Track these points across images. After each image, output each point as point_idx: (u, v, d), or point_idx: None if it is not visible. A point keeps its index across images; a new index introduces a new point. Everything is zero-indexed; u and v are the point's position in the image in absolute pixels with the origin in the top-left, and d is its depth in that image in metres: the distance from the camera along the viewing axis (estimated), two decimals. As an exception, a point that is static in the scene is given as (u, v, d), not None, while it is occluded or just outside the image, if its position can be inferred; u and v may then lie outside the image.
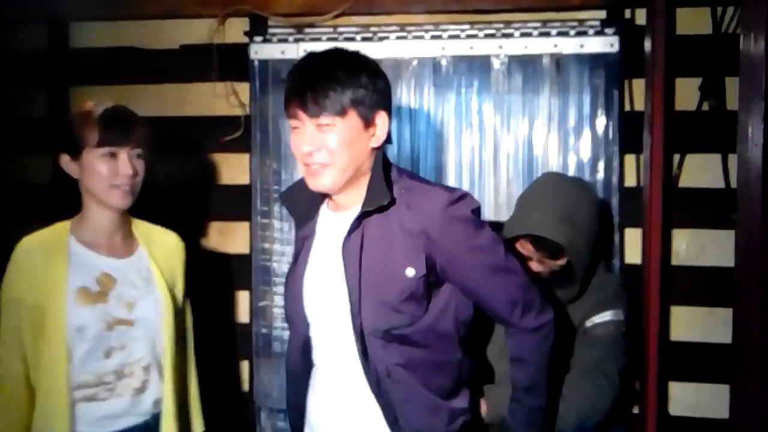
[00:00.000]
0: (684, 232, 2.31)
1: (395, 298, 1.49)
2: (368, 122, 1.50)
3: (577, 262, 1.85)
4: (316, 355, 1.63)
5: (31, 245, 1.73)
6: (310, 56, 1.55)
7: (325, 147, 1.48)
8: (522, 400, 1.63)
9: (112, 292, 1.75)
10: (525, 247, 1.86)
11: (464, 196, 1.52)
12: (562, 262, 1.87)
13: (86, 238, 1.77)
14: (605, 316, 1.90)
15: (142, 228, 1.89)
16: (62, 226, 1.78)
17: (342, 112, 1.47)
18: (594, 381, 1.84)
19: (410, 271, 1.48)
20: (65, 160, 1.76)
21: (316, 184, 1.53)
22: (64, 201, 1.81)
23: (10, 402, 1.70)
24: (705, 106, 2.25)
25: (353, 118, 1.48)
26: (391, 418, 1.53)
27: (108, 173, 1.72)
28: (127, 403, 1.76)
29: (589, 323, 1.91)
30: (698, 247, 2.30)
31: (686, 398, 2.35)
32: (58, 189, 2.41)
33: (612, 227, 2.29)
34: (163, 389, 1.81)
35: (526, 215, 1.86)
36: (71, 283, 1.70)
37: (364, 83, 1.48)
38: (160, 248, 1.89)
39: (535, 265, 1.87)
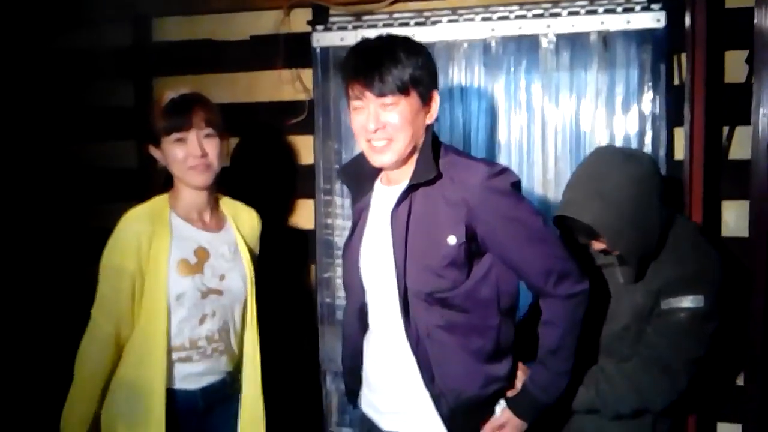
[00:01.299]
0: (734, 203, 2.29)
1: (438, 264, 1.60)
2: (426, 101, 1.64)
3: (614, 240, 1.75)
4: (372, 317, 1.77)
5: (139, 216, 1.90)
6: (367, 41, 1.69)
7: (389, 124, 1.61)
8: (546, 362, 1.67)
9: (207, 264, 1.93)
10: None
11: (504, 170, 1.63)
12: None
13: (183, 212, 1.95)
14: (683, 301, 1.74)
15: (228, 204, 2.08)
16: (162, 199, 1.95)
17: (405, 91, 1.59)
18: (652, 375, 1.75)
19: (452, 239, 1.59)
20: (151, 149, 1.95)
21: (379, 161, 1.66)
22: (150, 183, 2.03)
23: (98, 358, 1.88)
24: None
25: (414, 97, 1.61)
26: (428, 377, 1.65)
27: (181, 157, 1.89)
28: (211, 364, 1.95)
29: (665, 305, 1.77)
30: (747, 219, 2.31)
31: None
32: (144, 172, 2.68)
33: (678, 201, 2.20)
34: (239, 352, 2.02)
35: (563, 196, 1.85)
36: (173, 254, 1.88)
37: (421, 63, 1.61)
38: (244, 223, 2.08)
39: (595, 245, 1.84)
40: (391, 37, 1.68)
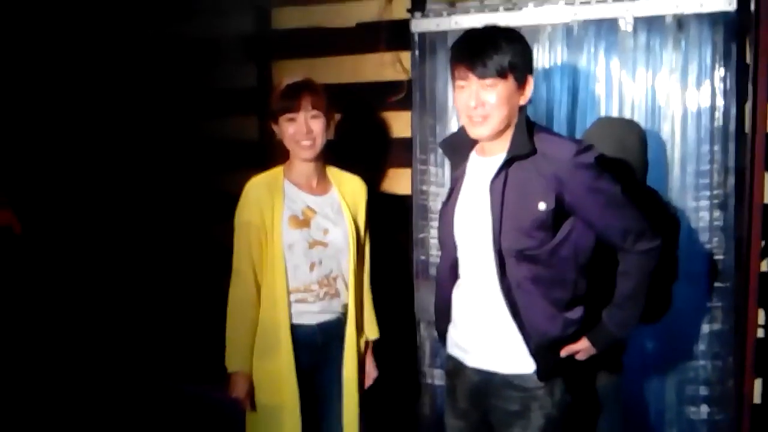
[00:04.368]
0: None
1: (529, 226, 1.83)
2: (521, 84, 1.87)
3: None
4: (462, 270, 2.02)
5: (259, 182, 2.32)
6: (474, 30, 1.93)
7: (488, 103, 1.83)
8: (622, 305, 1.92)
9: (313, 220, 2.31)
10: None
11: (589, 147, 1.85)
12: None
13: (294, 179, 2.34)
14: None
15: (334, 173, 2.43)
16: (278, 170, 2.36)
17: (503, 74, 1.82)
18: None
19: (542, 205, 1.81)
20: (273, 126, 2.34)
21: (477, 133, 1.90)
22: (269, 154, 2.40)
23: (246, 297, 2.29)
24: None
25: (510, 80, 1.83)
26: (518, 321, 1.88)
27: (292, 133, 2.27)
28: (325, 304, 2.33)
29: None
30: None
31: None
32: (264, 144, 3.06)
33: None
34: (348, 296, 2.37)
35: (607, 134, 2.16)
36: (285, 211, 2.28)
37: (519, 51, 1.85)
38: (348, 189, 2.42)
39: None
40: (494, 28, 1.92)
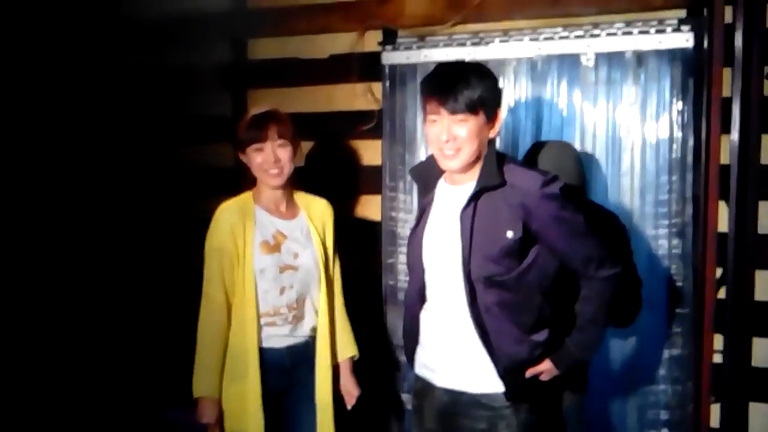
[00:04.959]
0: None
1: (497, 253, 1.90)
2: (490, 118, 1.95)
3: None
4: (431, 294, 2.07)
5: (230, 207, 2.35)
6: (444, 65, 2.02)
7: (459, 137, 1.90)
8: (584, 329, 2.00)
9: (283, 245, 2.36)
10: None
11: (555, 178, 1.94)
12: None
13: (263, 204, 2.39)
14: None
15: (301, 197, 2.49)
16: (248, 195, 2.41)
17: (474, 110, 1.89)
18: None
19: (510, 234, 1.89)
20: (240, 155, 2.39)
21: (448, 166, 1.96)
22: (243, 181, 2.44)
23: (216, 321, 2.31)
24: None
25: (480, 115, 1.91)
26: (487, 344, 1.94)
27: (259, 162, 2.33)
28: (293, 328, 2.36)
29: None
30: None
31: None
32: (239, 172, 3.09)
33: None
34: (317, 319, 2.40)
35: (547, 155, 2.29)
36: (256, 237, 2.32)
37: (489, 86, 1.93)
38: (315, 212, 2.48)
39: None
40: (464, 63, 2.02)
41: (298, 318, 2.37)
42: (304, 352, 2.40)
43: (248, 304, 2.29)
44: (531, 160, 2.30)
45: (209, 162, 3.30)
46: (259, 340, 2.31)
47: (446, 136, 1.91)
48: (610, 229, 2.25)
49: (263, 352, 2.31)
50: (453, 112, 1.89)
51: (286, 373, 2.37)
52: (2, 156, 2.95)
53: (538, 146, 2.38)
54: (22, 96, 3.11)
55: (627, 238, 2.35)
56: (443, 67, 2.00)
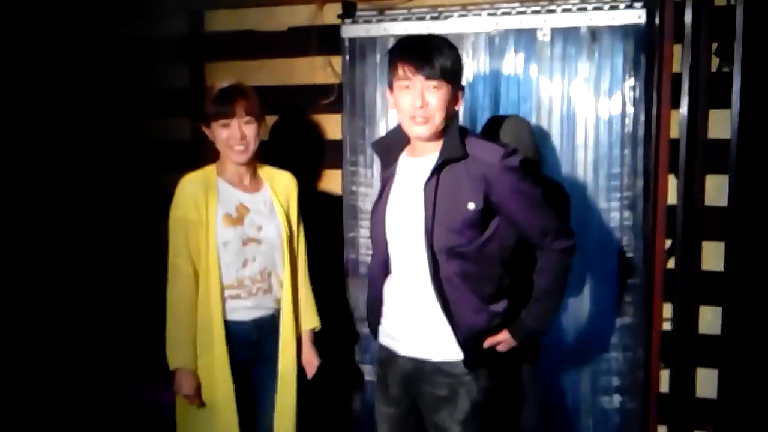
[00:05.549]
0: (715, 177, 2.60)
1: (459, 225, 1.95)
2: (457, 88, 2.00)
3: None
4: (394, 266, 2.11)
5: (193, 178, 2.35)
6: (415, 36, 2.06)
7: (431, 104, 1.93)
8: (540, 300, 2.05)
9: (246, 218, 2.36)
10: None
11: (514, 150, 1.99)
12: None
13: (227, 177, 2.38)
14: None
15: (265, 170, 2.49)
16: (211, 168, 2.39)
17: (447, 77, 1.93)
18: None
19: (471, 205, 1.93)
20: (203, 128, 2.37)
21: (417, 132, 1.98)
22: (201, 154, 2.44)
23: (185, 292, 2.30)
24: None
25: (450, 85, 1.95)
26: (448, 314, 1.99)
27: (225, 138, 2.31)
28: (259, 300, 2.38)
29: None
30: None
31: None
32: (197, 145, 3.08)
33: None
34: (281, 291, 2.42)
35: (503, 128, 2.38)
36: (219, 209, 2.32)
37: (457, 58, 1.98)
38: (279, 185, 2.48)
39: None
40: (436, 36, 2.05)
41: (264, 290, 2.39)
42: (271, 325, 2.42)
43: (212, 277, 2.30)
44: (489, 133, 2.34)
45: (167, 135, 3.28)
46: (224, 313, 2.32)
47: (420, 102, 1.93)
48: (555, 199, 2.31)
49: (229, 325, 2.32)
50: (428, 77, 1.92)
51: (252, 345, 2.39)
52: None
53: (495, 120, 2.43)
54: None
55: (568, 206, 2.43)
56: (415, 37, 2.05)
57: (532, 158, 2.32)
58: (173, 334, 2.30)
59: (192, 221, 2.29)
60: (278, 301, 2.43)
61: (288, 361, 2.44)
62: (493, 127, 2.37)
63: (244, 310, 2.36)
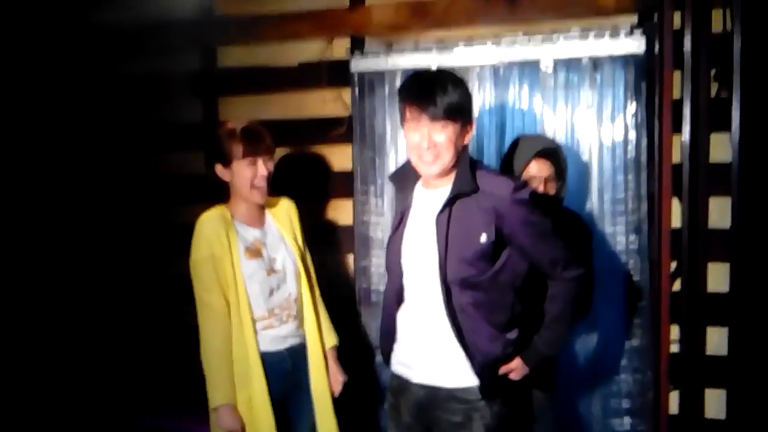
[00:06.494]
0: (718, 199, 2.64)
1: (472, 256, 1.98)
2: (466, 125, 2.03)
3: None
4: (408, 295, 2.13)
5: (211, 217, 2.33)
6: (421, 73, 2.08)
7: (439, 144, 1.97)
8: (550, 327, 2.09)
9: (263, 251, 2.39)
10: (542, 167, 2.36)
11: (524, 184, 2.05)
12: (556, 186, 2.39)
13: (239, 217, 2.39)
14: None
15: (266, 202, 2.48)
16: (224, 208, 2.39)
17: (452, 116, 1.96)
18: None
19: (483, 237, 1.97)
20: (219, 169, 2.37)
21: (426, 172, 2.03)
22: (214, 188, 2.45)
23: (221, 329, 2.29)
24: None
25: (458, 121, 1.98)
26: (463, 343, 2.02)
27: (250, 177, 2.32)
28: (291, 327, 2.41)
29: None
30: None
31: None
32: (209, 179, 3.13)
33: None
34: (305, 314, 2.45)
35: (535, 142, 2.39)
36: (240, 244, 2.34)
37: (464, 94, 2.00)
38: (280, 212, 2.52)
39: (549, 187, 2.37)
40: (440, 71, 2.07)
41: (293, 317, 2.41)
42: (301, 352, 2.45)
43: (243, 310, 2.30)
44: (520, 155, 2.41)
45: (180, 169, 3.33)
46: (258, 344, 2.32)
47: (427, 144, 1.97)
48: (576, 232, 2.37)
49: (264, 357, 2.32)
50: (433, 118, 1.95)
51: (286, 375, 2.40)
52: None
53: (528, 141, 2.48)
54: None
55: (590, 240, 2.46)
56: (421, 75, 2.07)
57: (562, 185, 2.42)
58: (214, 371, 2.27)
59: (218, 257, 2.28)
60: (303, 327, 2.46)
61: (321, 383, 2.46)
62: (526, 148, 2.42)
63: (278, 340, 2.38)
